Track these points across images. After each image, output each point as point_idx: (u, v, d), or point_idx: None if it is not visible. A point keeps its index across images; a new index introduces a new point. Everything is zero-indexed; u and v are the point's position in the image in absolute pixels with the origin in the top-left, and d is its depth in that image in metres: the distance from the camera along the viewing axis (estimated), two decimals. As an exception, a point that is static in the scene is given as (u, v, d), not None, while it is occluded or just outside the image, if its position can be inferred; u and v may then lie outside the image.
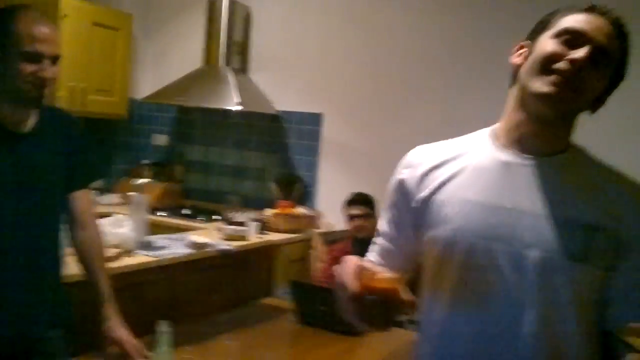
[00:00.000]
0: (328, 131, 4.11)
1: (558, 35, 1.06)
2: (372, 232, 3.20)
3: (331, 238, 3.66)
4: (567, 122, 1.11)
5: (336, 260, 3.16)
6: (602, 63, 1.05)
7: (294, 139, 4.21)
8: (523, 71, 1.10)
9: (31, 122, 1.76)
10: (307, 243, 3.81)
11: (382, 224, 1.27)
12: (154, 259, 2.76)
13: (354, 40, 4.03)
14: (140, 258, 2.71)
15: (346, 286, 1.00)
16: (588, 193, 1.08)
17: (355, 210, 3.24)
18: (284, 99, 4.20)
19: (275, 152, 4.28)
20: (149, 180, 3.17)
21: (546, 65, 1.05)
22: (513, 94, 1.14)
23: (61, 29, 3.79)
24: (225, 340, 2.33)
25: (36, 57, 1.65)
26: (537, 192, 1.07)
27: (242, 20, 4.27)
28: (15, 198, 1.70)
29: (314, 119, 4.13)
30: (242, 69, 4.29)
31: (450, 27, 3.74)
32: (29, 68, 1.64)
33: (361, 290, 0.99)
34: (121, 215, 2.90)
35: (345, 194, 3.40)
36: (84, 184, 1.93)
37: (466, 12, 3.69)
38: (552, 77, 1.04)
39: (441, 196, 1.14)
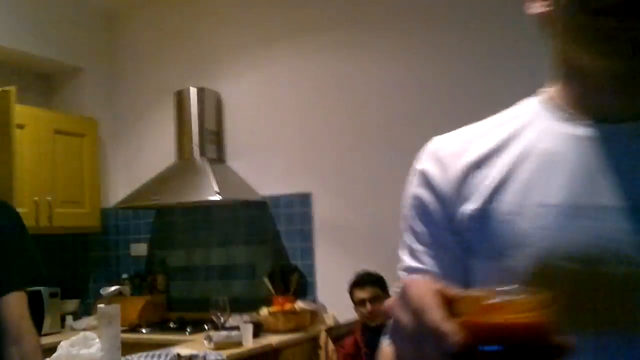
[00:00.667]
0: (320, 211, 3.71)
1: None
2: (385, 318, 2.77)
3: (339, 332, 3.18)
4: None
5: (348, 357, 2.68)
6: None
7: (284, 225, 3.81)
8: (558, 21, 0.73)
9: None
10: (312, 343, 3.31)
11: (405, 256, 0.81)
12: (129, 382, 2.30)
13: (332, 109, 3.72)
14: (112, 383, 2.27)
15: (437, 336, 0.51)
16: None
17: (363, 294, 2.79)
18: (267, 183, 3.85)
19: (265, 242, 3.86)
20: (122, 287, 2.74)
21: (587, 3, 0.69)
22: (557, 49, 0.77)
23: (18, 140, 3.51)
24: None
25: None
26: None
27: (213, 108, 4.00)
28: None
29: (303, 200, 3.75)
30: (219, 159, 3.97)
31: (433, 75, 3.45)
32: None
33: (473, 337, 0.50)
34: (90, 333, 2.46)
35: (349, 278, 2.96)
36: (16, 286, 1.54)
37: (446, 56, 3.42)
38: (604, 20, 0.68)
39: (503, 205, 0.73)
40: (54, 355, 2.35)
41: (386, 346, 0.73)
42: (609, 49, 0.70)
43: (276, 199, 3.82)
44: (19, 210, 1.71)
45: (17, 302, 1.52)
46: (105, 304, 2.56)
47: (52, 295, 3.70)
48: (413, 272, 0.78)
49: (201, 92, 3.93)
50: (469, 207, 0.75)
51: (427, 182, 0.80)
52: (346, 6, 3.71)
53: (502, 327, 0.50)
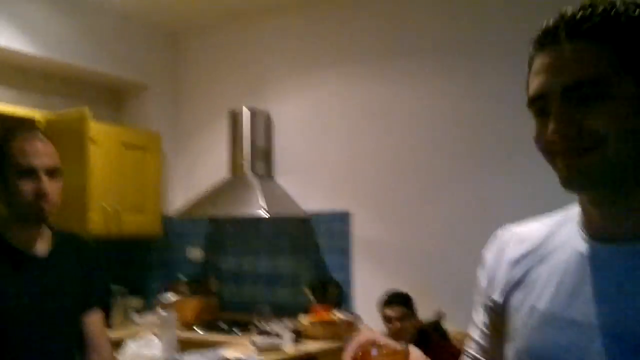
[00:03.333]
0: (358, 229, 4.02)
1: (530, 107, 0.80)
2: (411, 335, 2.99)
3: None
4: (628, 186, 0.77)
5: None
6: (597, 92, 0.73)
7: (324, 240, 4.13)
8: None
9: (44, 245, 1.76)
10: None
11: (471, 328, 0.99)
12: (184, 380, 2.66)
13: (374, 133, 4.01)
14: (170, 380, 2.63)
15: None
16: None
17: (391, 312, 3.01)
18: (311, 199, 4.17)
19: (307, 255, 4.20)
20: (179, 295, 3.11)
21: (539, 148, 0.81)
22: None
23: (91, 154, 3.90)
24: None
25: (31, 172, 1.65)
26: (614, 297, 0.76)
27: (263, 126, 4.33)
28: (26, 322, 1.66)
29: (342, 218, 4.06)
30: (267, 174, 4.31)
31: (472, 109, 3.68)
32: (26, 184, 1.65)
33: None
34: (151, 336, 2.83)
35: (383, 293, 3.25)
36: (96, 306, 1.89)
37: (485, 91, 3.64)
38: (553, 160, 0.79)
39: (513, 301, 0.88)
40: (123, 352, 2.73)
41: None
42: (570, 184, 0.78)
43: (319, 216, 4.14)
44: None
45: (95, 319, 1.86)
46: (165, 309, 2.95)
47: (120, 294, 4.12)
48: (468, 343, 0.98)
49: (253, 111, 4.27)
50: (497, 297, 0.91)
51: (481, 272, 0.96)
52: (390, 38, 3.98)
53: None
